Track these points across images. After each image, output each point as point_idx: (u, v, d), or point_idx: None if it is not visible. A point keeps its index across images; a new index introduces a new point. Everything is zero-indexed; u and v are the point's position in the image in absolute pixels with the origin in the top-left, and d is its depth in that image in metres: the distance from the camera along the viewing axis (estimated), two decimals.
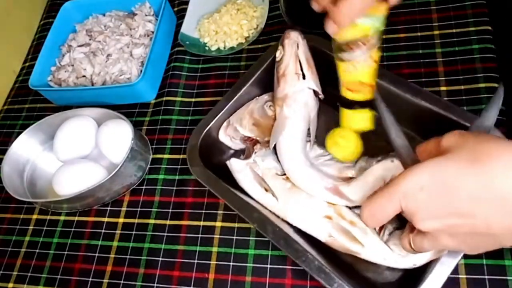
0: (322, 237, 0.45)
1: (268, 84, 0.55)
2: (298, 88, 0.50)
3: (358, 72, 0.40)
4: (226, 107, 0.55)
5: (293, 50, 0.51)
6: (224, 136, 0.55)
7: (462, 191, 0.30)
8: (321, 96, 0.51)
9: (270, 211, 0.49)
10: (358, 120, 0.44)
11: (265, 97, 0.56)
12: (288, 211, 0.47)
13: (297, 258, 0.43)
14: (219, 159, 0.55)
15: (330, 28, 0.37)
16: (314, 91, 0.51)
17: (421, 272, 0.41)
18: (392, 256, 0.43)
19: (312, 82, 0.50)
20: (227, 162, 0.52)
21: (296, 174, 0.48)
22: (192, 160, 0.51)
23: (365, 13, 0.37)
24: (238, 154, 0.56)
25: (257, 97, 0.56)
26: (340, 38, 0.39)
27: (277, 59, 0.52)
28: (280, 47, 0.52)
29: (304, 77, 0.50)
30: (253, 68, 0.56)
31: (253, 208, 0.47)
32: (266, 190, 0.49)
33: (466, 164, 0.30)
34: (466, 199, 0.30)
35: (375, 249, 0.43)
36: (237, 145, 0.56)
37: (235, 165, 0.51)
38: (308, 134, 0.50)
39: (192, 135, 0.54)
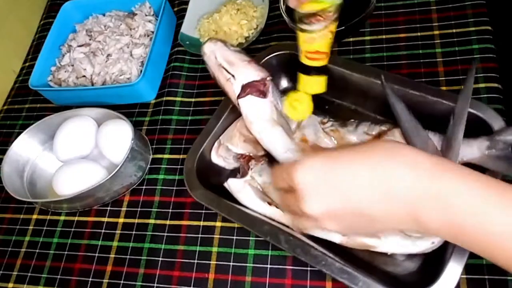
0: (337, 238, 0.45)
1: None
2: (236, 90, 0.50)
3: (316, 42, 0.44)
4: (217, 126, 0.54)
5: (215, 62, 0.51)
6: (217, 158, 0.54)
7: (352, 179, 0.34)
8: (269, 78, 0.51)
9: (279, 222, 0.48)
10: (314, 84, 0.47)
11: None
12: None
13: (317, 264, 0.42)
14: (217, 179, 0.54)
15: (291, 1, 0.41)
16: (262, 83, 0.50)
17: (441, 258, 0.41)
18: (409, 241, 0.42)
19: (243, 77, 0.50)
20: (225, 184, 0.52)
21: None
22: (190, 183, 0.51)
23: None
24: (234, 172, 0.55)
25: (240, 118, 0.55)
26: (301, 10, 0.42)
27: (213, 78, 0.53)
28: (206, 66, 0.53)
29: (234, 77, 0.51)
30: None
31: (262, 221, 0.47)
32: (270, 204, 0.49)
33: (357, 156, 0.35)
34: (355, 186, 0.33)
35: (391, 239, 0.43)
36: (231, 164, 0.55)
37: (234, 186, 0.51)
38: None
39: (187, 158, 0.53)
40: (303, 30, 0.44)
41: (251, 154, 0.53)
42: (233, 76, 0.50)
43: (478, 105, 0.46)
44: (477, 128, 0.45)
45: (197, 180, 0.51)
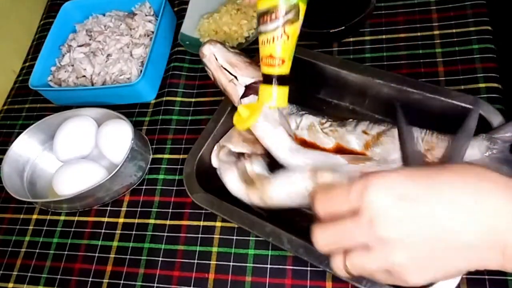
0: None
1: None
2: (239, 91, 0.50)
3: (272, 45, 0.40)
4: (216, 129, 0.54)
5: (215, 64, 0.51)
6: (217, 162, 0.54)
7: (448, 203, 0.28)
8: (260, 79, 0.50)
9: (253, 206, 0.49)
10: (267, 95, 0.42)
11: None
12: (266, 193, 0.48)
13: (321, 263, 0.42)
14: (217, 182, 0.53)
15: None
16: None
17: None
18: None
19: (246, 77, 0.50)
20: (217, 171, 0.52)
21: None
22: (190, 188, 0.51)
23: None
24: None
25: None
26: (256, 9, 0.40)
27: (213, 80, 0.53)
28: (206, 68, 0.53)
29: (236, 78, 0.51)
30: None
31: (263, 222, 0.46)
32: (246, 186, 0.49)
33: (454, 178, 0.29)
34: (449, 212, 0.28)
35: None
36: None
37: (221, 169, 0.52)
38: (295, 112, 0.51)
39: (187, 161, 0.53)
40: (260, 32, 0.41)
41: (251, 153, 0.53)
42: (235, 77, 0.51)
43: (477, 101, 0.46)
44: (477, 125, 0.45)
45: (196, 184, 0.51)
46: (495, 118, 0.46)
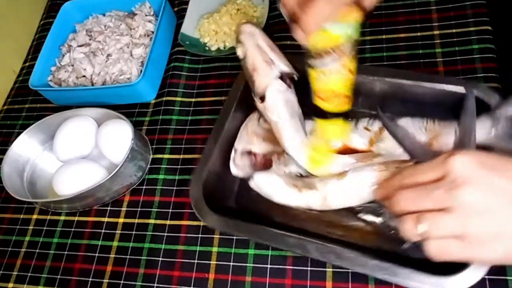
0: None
1: (251, 105, 0.53)
2: (272, 76, 0.49)
3: (329, 80, 0.38)
4: (215, 149, 0.52)
5: (253, 42, 0.50)
6: (236, 169, 0.52)
7: None
8: (296, 75, 0.50)
9: (310, 209, 0.47)
10: (331, 131, 0.42)
11: (254, 115, 0.55)
12: (331, 195, 0.46)
13: (355, 266, 0.42)
14: (226, 201, 0.53)
15: (298, 34, 0.34)
16: (289, 78, 0.50)
17: None
18: None
19: (282, 65, 0.50)
20: (250, 183, 0.50)
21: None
22: (200, 211, 0.49)
23: (335, 20, 0.34)
24: (243, 188, 0.53)
25: (246, 121, 0.55)
26: (309, 45, 0.37)
27: (241, 56, 0.51)
28: (238, 44, 0.51)
29: (273, 62, 0.49)
30: (227, 103, 0.54)
31: (283, 234, 0.45)
32: (299, 191, 0.47)
33: None
34: None
35: None
36: (249, 173, 0.52)
37: (261, 179, 0.49)
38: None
39: (192, 187, 0.50)
40: (313, 67, 0.38)
41: (273, 152, 0.52)
42: (272, 60, 0.49)
43: (473, 83, 0.47)
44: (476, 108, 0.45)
45: (206, 207, 0.48)
46: (493, 98, 0.46)
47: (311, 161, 0.45)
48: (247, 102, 0.53)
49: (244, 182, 0.53)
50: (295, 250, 0.44)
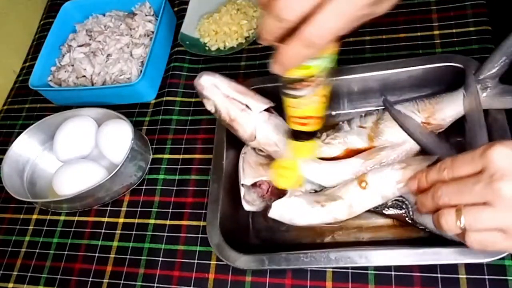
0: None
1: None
2: (253, 119, 0.49)
3: (304, 107, 0.39)
4: (221, 191, 0.51)
5: (219, 93, 0.49)
6: (248, 205, 0.50)
7: None
8: (272, 104, 0.50)
9: (336, 223, 0.47)
10: (304, 150, 0.43)
11: (248, 147, 0.54)
12: (355, 202, 0.46)
13: (403, 260, 0.42)
14: (247, 239, 0.52)
15: (276, 68, 0.33)
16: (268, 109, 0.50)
17: None
18: None
19: (258, 104, 0.49)
20: (269, 213, 0.48)
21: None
22: (228, 257, 0.47)
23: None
24: (257, 224, 0.54)
25: (243, 155, 0.53)
26: (285, 76, 0.37)
27: (212, 111, 0.50)
28: (205, 100, 0.50)
29: (248, 106, 0.49)
30: (217, 142, 0.54)
31: (323, 251, 0.44)
32: (323, 206, 0.47)
33: None
34: None
35: None
36: (259, 205, 0.51)
37: (281, 206, 0.47)
38: None
39: (210, 234, 0.48)
40: (288, 95, 0.38)
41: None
42: (246, 105, 0.49)
43: (449, 56, 0.49)
44: (460, 80, 0.47)
45: (233, 251, 0.47)
46: (472, 65, 0.47)
47: (279, 177, 0.45)
48: (236, 138, 0.52)
49: (256, 214, 0.53)
50: (339, 263, 0.44)
